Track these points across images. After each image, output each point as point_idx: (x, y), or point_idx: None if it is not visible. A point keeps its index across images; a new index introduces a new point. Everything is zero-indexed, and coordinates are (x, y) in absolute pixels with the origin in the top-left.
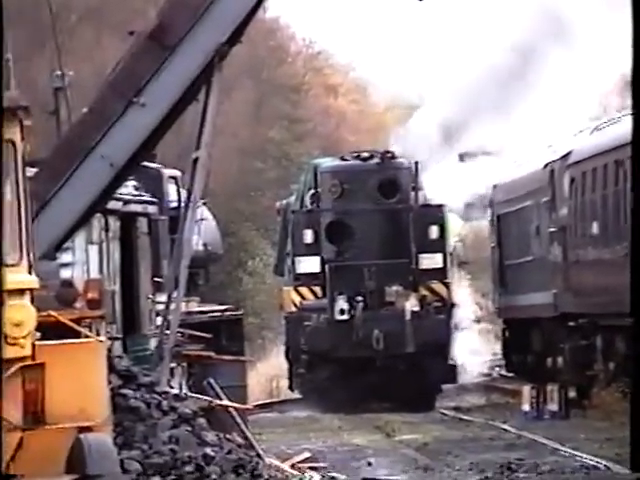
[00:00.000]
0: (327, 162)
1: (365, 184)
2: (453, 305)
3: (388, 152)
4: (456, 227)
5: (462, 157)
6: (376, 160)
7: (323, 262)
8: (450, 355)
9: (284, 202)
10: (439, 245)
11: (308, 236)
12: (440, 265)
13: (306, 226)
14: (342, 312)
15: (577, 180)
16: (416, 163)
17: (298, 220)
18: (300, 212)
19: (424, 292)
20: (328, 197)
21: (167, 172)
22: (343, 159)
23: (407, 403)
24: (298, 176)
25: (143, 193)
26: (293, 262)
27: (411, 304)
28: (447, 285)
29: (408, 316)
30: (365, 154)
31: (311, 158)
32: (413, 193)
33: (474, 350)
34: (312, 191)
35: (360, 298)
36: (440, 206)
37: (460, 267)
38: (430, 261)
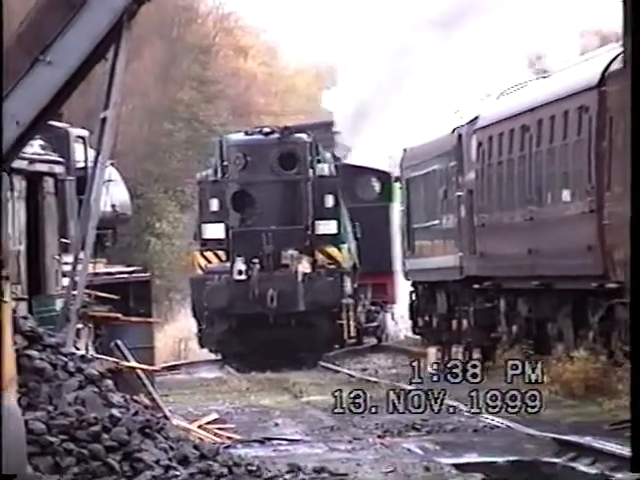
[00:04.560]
0: (233, 136)
1: (266, 157)
2: (356, 268)
3: (287, 127)
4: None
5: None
6: (276, 135)
7: (228, 229)
8: (340, 315)
9: (203, 174)
10: (334, 213)
11: (214, 204)
12: (335, 231)
13: (212, 195)
14: (240, 272)
15: (484, 145)
16: (314, 139)
17: (205, 190)
18: (207, 182)
19: (319, 256)
20: (234, 169)
21: (74, 131)
22: (247, 133)
23: (297, 358)
24: (208, 138)
25: (50, 152)
26: (200, 228)
27: (303, 267)
28: (340, 249)
29: (300, 277)
30: (267, 129)
31: (221, 120)
32: (311, 165)
33: (400, 312)
34: (222, 164)
35: (257, 260)
36: (335, 177)
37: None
38: (325, 227)
